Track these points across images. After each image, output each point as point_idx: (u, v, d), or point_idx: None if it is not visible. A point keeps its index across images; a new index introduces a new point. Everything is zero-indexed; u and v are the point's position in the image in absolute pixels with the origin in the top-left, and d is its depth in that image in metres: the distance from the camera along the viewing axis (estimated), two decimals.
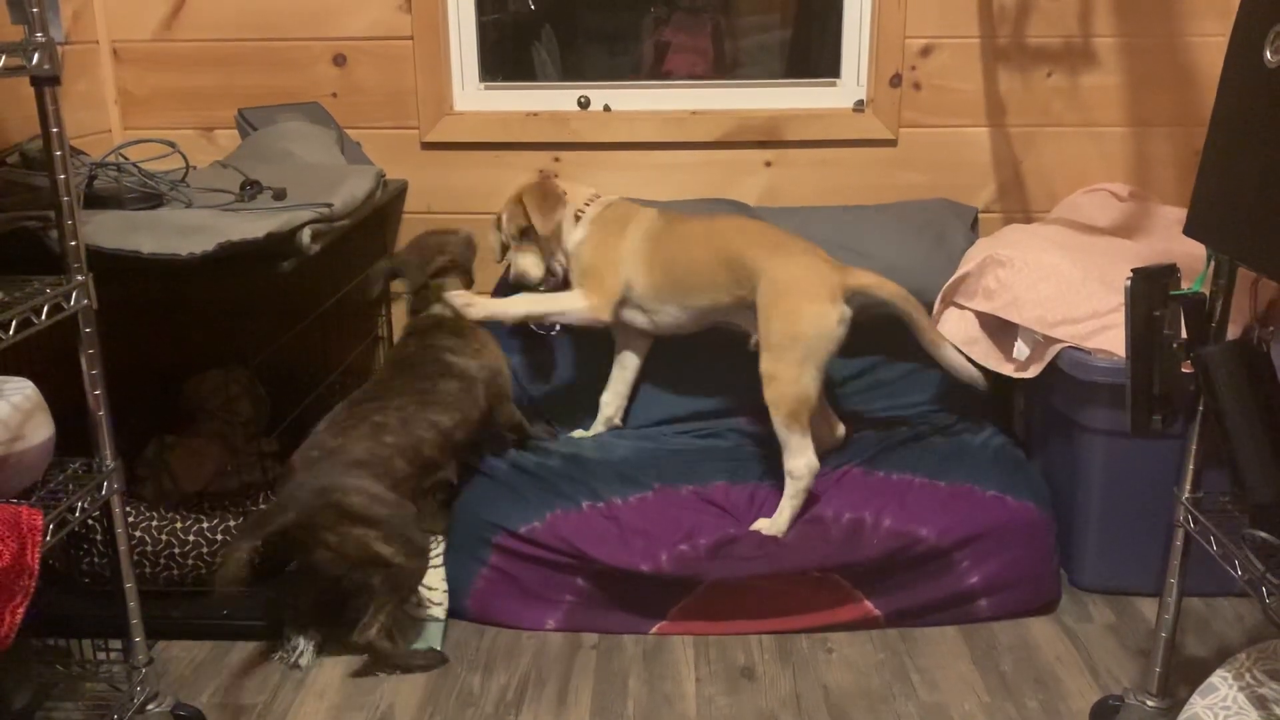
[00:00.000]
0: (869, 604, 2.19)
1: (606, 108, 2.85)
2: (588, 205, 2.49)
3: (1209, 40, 2.69)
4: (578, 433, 2.63)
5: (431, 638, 2.15)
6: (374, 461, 2.04)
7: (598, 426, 2.63)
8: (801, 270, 2.24)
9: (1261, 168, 1.41)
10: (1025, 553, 2.20)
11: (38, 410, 1.68)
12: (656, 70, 3.12)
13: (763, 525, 2.20)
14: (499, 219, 2.53)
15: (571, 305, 2.41)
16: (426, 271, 2.40)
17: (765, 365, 2.21)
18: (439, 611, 2.20)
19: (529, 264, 2.48)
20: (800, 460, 2.20)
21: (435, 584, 2.23)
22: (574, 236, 2.47)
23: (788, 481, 2.20)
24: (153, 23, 2.77)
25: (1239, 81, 1.48)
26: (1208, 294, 1.62)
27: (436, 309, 2.39)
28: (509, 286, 2.58)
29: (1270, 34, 1.39)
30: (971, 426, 2.54)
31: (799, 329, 2.19)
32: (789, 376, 2.19)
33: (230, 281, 2.74)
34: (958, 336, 2.42)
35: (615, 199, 2.53)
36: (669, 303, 2.41)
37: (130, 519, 2.12)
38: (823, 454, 2.29)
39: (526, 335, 2.70)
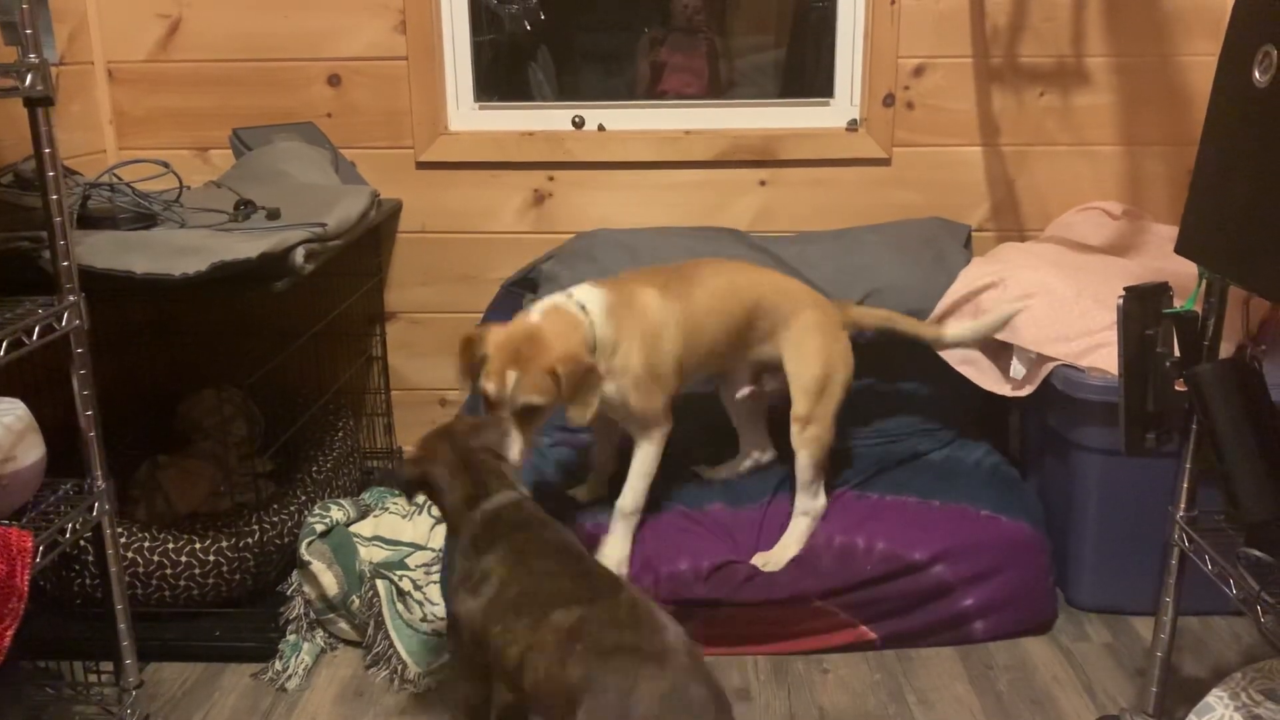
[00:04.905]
0: (865, 628, 2.18)
1: (601, 127, 2.86)
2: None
3: (1200, 60, 2.70)
4: (575, 492, 2.42)
5: (443, 669, 2.13)
6: None
7: (595, 488, 2.39)
8: (823, 312, 2.25)
9: (1251, 186, 1.41)
10: (1020, 573, 2.19)
11: (29, 431, 1.68)
12: (652, 90, 3.14)
13: (762, 561, 2.18)
14: (482, 366, 1.95)
15: (657, 452, 2.14)
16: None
17: (802, 409, 2.19)
18: (440, 625, 2.18)
19: (515, 450, 1.91)
20: (821, 499, 2.23)
21: (437, 599, 2.21)
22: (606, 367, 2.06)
23: (801, 520, 2.22)
24: (148, 44, 2.78)
25: (1228, 101, 1.48)
26: (1200, 312, 1.63)
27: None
28: None
29: (1259, 54, 1.40)
30: (965, 446, 2.53)
31: (834, 370, 2.21)
32: (825, 417, 2.21)
33: (224, 302, 2.75)
34: (953, 357, 2.42)
35: (599, 294, 2.08)
36: (695, 374, 2.22)
37: (122, 540, 2.11)
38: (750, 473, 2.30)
39: None
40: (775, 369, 2.28)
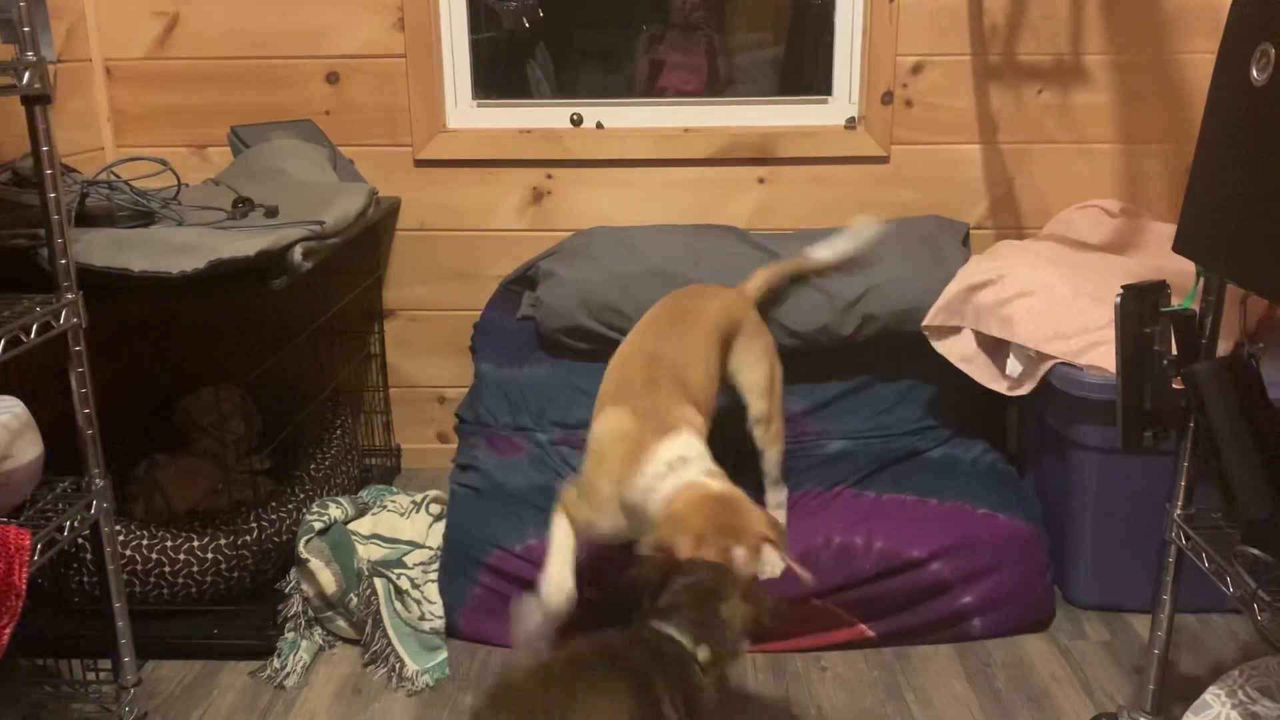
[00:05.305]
0: (863, 626, 2.18)
1: (599, 125, 2.86)
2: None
3: (1198, 57, 2.70)
4: None
5: (440, 667, 2.13)
6: None
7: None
8: (754, 321, 2.30)
9: (1249, 184, 1.41)
10: (1017, 571, 2.19)
11: (26, 429, 1.68)
12: (651, 88, 3.13)
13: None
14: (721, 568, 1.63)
15: None
16: None
17: (763, 407, 2.21)
18: (438, 624, 2.19)
19: None
20: (786, 489, 2.27)
21: (434, 598, 2.22)
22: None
23: (779, 514, 2.23)
24: (146, 41, 2.78)
25: (1226, 99, 1.48)
26: (1197, 310, 1.63)
27: None
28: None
29: (1256, 52, 1.40)
30: (963, 443, 2.54)
31: (774, 362, 2.26)
32: (779, 410, 2.26)
33: (222, 300, 2.75)
34: (953, 355, 2.42)
35: (697, 443, 1.87)
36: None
37: (120, 538, 2.11)
38: None
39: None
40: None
